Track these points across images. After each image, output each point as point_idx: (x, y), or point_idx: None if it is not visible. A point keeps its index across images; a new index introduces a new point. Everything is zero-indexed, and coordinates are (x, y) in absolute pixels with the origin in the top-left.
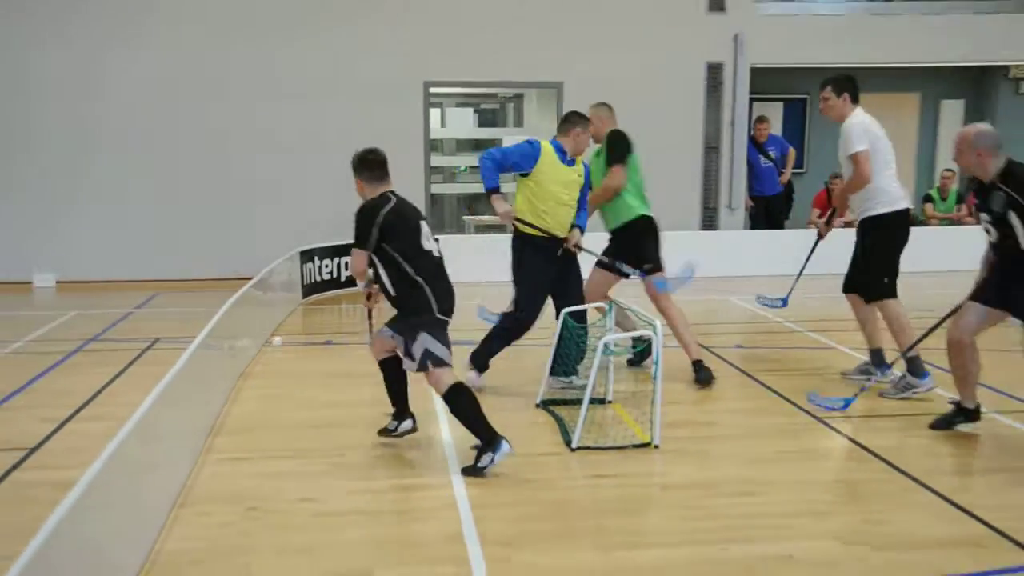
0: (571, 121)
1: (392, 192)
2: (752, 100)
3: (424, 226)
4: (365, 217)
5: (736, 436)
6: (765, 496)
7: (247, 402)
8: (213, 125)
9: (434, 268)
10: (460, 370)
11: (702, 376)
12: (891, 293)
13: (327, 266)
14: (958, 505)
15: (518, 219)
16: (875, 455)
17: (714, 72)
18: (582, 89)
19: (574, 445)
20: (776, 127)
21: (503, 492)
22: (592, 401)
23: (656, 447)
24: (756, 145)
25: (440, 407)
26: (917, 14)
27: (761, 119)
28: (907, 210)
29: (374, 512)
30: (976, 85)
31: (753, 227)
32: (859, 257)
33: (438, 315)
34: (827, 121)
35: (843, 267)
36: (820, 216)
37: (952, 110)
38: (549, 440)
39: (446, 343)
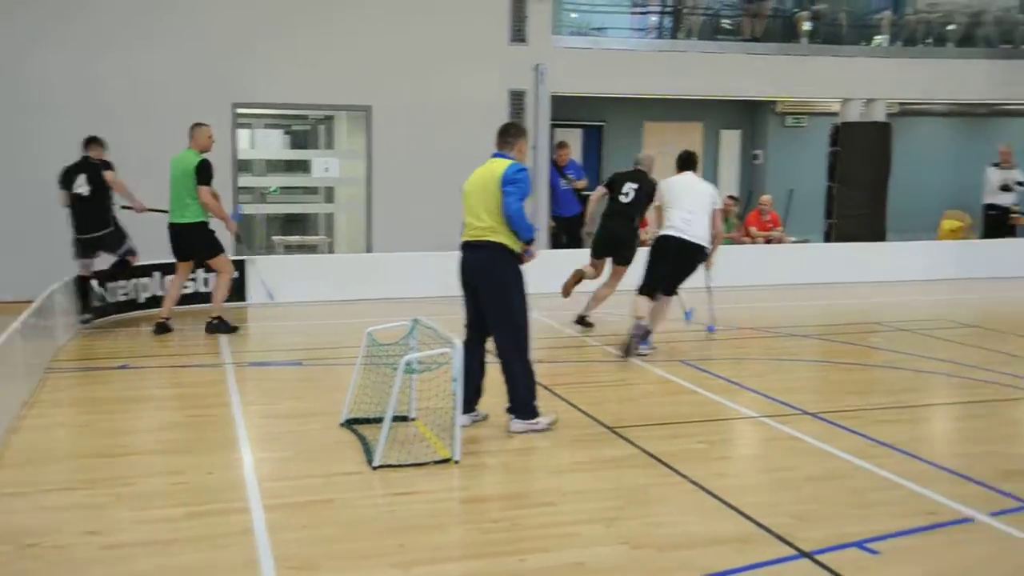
0: (522, 134)
1: None
2: (553, 126)
3: None
4: None
5: (534, 449)
6: (560, 506)
7: (30, 432)
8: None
9: None
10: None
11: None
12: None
13: (122, 287)
14: (731, 505)
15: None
16: (660, 461)
17: (517, 99)
18: (391, 113)
19: (375, 464)
20: (576, 152)
21: (302, 514)
22: (395, 419)
23: (457, 462)
24: (557, 169)
25: (244, 432)
26: (699, 52)
27: (561, 144)
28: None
29: (166, 541)
30: (750, 117)
31: (554, 247)
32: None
33: None
34: (622, 146)
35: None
36: None
37: (730, 139)
38: (352, 459)
39: None
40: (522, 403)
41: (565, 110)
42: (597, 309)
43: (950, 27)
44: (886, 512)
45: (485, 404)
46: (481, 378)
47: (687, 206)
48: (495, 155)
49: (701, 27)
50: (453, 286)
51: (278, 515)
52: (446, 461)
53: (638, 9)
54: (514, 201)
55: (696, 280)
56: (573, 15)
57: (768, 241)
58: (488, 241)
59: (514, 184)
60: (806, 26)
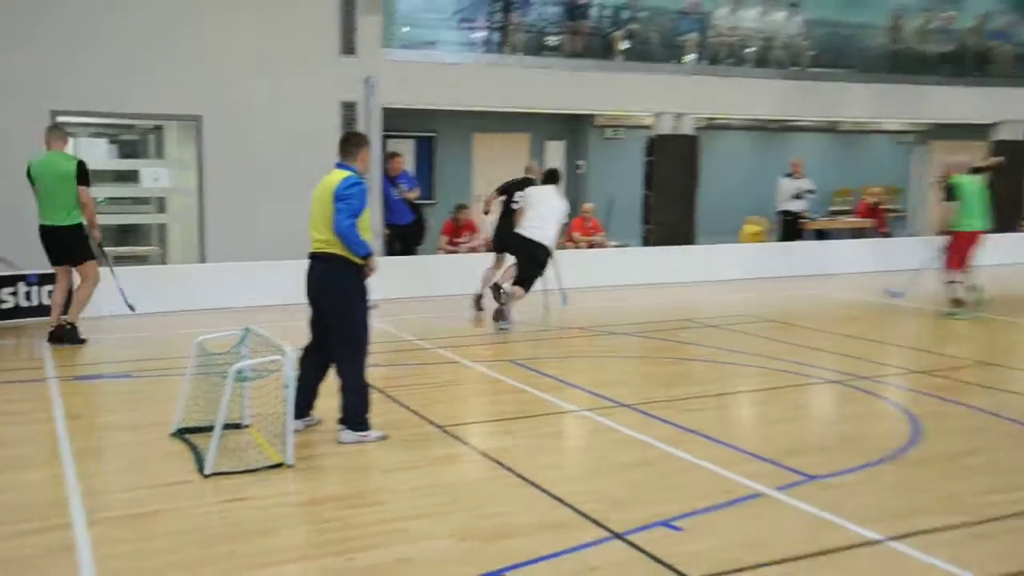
0: (363, 143)
1: None
2: (385, 137)
3: None
4: None
5: (366, 450)
6: (391, 504)
7: None
8: None
9: None
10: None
11: None
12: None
13: None
14: (552, 494)
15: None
16: (488, 457)
17: (348, 111)
18: (222, 123)
19: (207, 472)
20: (408, 162)
21: (128, 528)
22: (227, 427)
23: (290, 466)
24: (389, 179)
25: (67, 447)
26: (525, 67)
27: (393, 155)
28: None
29: None
30: (573, 129)
31: (389, 254)
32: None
33: None
34: (453, 157)
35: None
36: (449, 243)
37: (556, 150)
38: (182, 469)
39: None
40: (354, 416)
41: (397, 121)
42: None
43: (748, 49)
44: (690, 492)
45: (321, 409)
46: (318, 384)
47: (540, 212)
48: (337, 165)
49: (526, 43)
50: (288, 295)
51: (102, 530)
52: (279, 466)
53: (466, 25)
54: (344, 218)
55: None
56: (405, 29)
57: (591, 246)
58: (329, 253)
59: (344, 200)
60: (622, 45)
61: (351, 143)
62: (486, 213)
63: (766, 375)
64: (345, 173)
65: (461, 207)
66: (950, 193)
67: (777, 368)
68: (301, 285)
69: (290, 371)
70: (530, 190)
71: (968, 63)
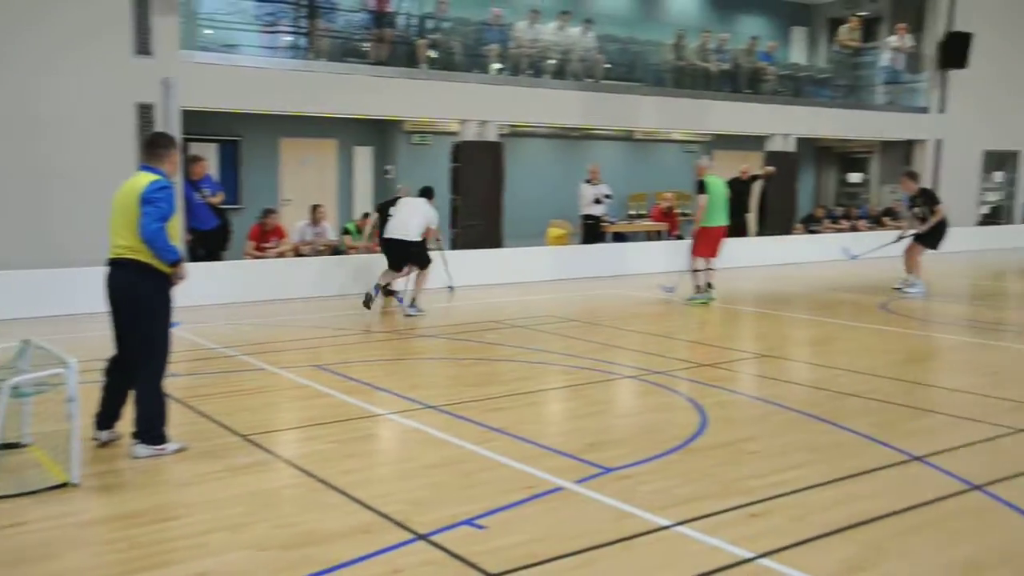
0: (171, 144)
1: None
2: (187, 140)
3: None
4: None
5: (161, 464)
6: (186, 518)
7: None
8: None
9: None
10: None
11: None
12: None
13: None
14: (355, 499)
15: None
16: (291, 464)
17: (145, 113)
18: (10, 126)
19: None
20: (212, 166)
21: None
22: (4, 447)
23: (76, 485)
24: (191, 183)
25: None
26: (331, 72)
27: (195, 158)
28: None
29: None
30: (381, 135)
31: (193, 260)
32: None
33: None
34: (260, 162)
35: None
36: (256, 248)
37: (363, 155)
38: None
39: None
40: (149, 428)
41: (199, 125)
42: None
43: (548, 61)
44: (493, 490)
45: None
46: (124, 394)
47: (401, 217)
48: (142, 168)
49: (332, 49)
50: (75, 304)
51: None
52: (63, 485)
53: (270, 28)
54: (150, 223)
55: None
56: (208, 31)
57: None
58: (130, 259)
59: (151, 204)
60: (428, 53)
61: (158, 145)
62: (369, 238)
63: (569, 373)
64: (152, 176)
65: (268, 212)
66: (701, 188)
67: (579, 366)
68: (95, 293)
69: (74, 384)
70: (401, 201)
71: (742, 81)
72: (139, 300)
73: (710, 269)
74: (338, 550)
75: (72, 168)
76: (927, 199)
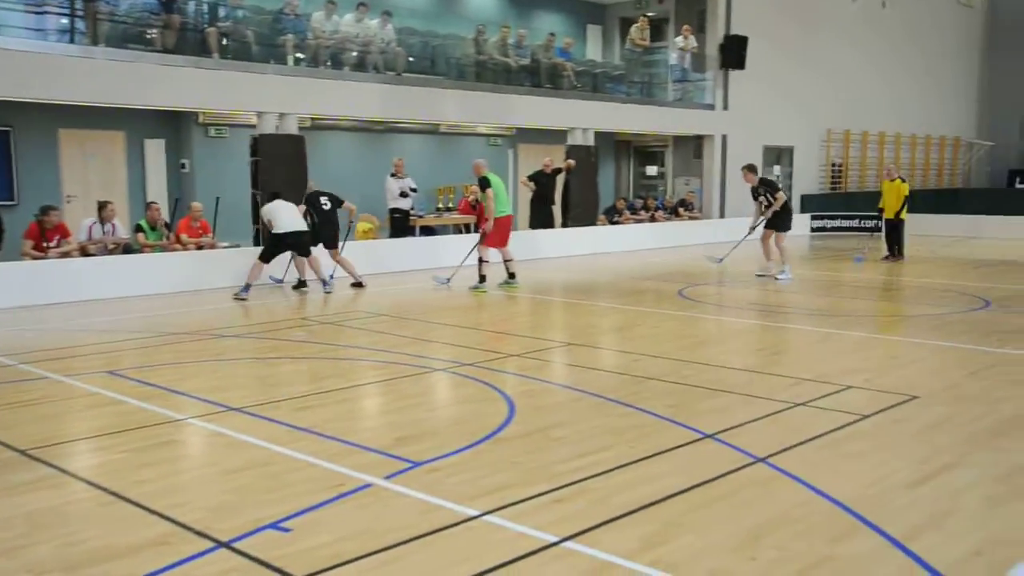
0: None
1: None
2: None
3: None
4: None
5: None
6: None
7: None
8: None
9: None
10: None
11: None
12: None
13: None
14: (150, 509)
15: None
16: (77, 478)
17: None
18: None
19: None
20: None
21: None
22: None
23: None
24: None
25: None
26: (112, 60)
27: None
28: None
29: None
30: (175, 127)
31: None
32: None
33: None
34: (36, 154)
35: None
36: (35, 247)
37: (155, 148)
38: None
39: None
40: None
41: None
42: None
43: (349, 53)
44: (299, 491)
45: None
46: None
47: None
48: None
49: (113, 34)
50: None
51: None
52: None
53: (38, 9)
54: None
55: None
56: None
57: (200, 247)
58: None
59: None
60: (224, 42)
61: None
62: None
63: (378, 368)
64: None
65: (49, 209)
66: (485, 184)
67: (389, 361)
68: None
69: None
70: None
71: (543, 76)
72: None
73: (509, 260)
74: (133, 565)
75: None
76: (767, 187)
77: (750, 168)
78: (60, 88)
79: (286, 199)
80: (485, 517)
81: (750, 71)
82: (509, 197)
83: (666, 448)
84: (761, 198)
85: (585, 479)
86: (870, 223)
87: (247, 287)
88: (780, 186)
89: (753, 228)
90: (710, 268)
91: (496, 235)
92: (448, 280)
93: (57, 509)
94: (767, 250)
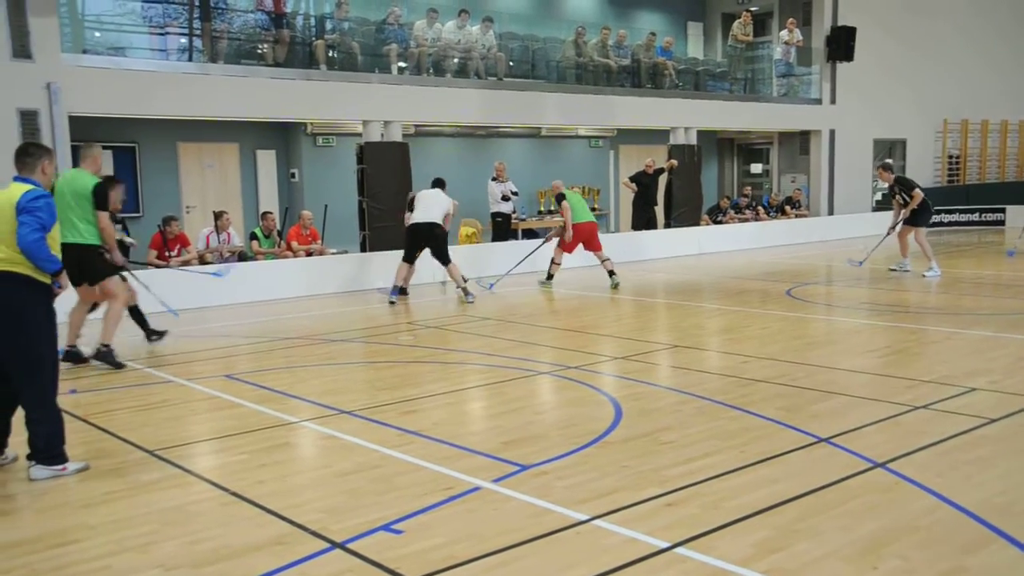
0: (44, 153)
1: None
2: (77, 147)
3: None
4: None
5: (62, 486)
6: (89, 541)
7: None
8: None
9: None
10: None
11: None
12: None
13: None
14: (268, 509)
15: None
16: (201, 478)
17: (28, 119)
18: None
19: None
20: (108, 173)
21: None
22: None
23: None
24: None
25: None
26: (227, 75)
27: None
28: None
29: None
30: (284, 138)
31: None
32: None
33: None
34: (159, 167)
35: None
36: (158, 256)
37: (267, 159)
38: None
39: None
40: (47, 449)
41: (91, 131)
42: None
43: (451, 60)
44: (409, 494)
45: (13, 444)
46: (8, 418)
47: (425, 206)
48: (16, 179)
49: (227, 51)
50: None
51: None
52: None
53: (162, 31)
54: (30, 232)
55: None
56: (97, 34)
57: (309, 254)
58: (8, 272)
59: (30, 213)
60: (327, 54)
61: (30, 154)
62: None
63: (485, 372)
64: (27, 186)
65: (170, 219)
66: (562, 198)
67: (495, 364)
68: None
69: None
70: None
71: (643, 76)
72: (20, 313)
73: (606, 260)
74: (252, 564)
75: None
76: (903, 186)
77: (885, 167)
78: (180, 104)
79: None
80: (595, 521)
81: (858, 63)
82: (586, 204)
83: (779, 452)
84: (897, 196)
85: (696, 483)
86: (991, 216)
87: (397, 289)
88: (916, 184)
89: (893, 228)
90: (846, 269)
91: (572, 242)
92: (493, 284)
93: (183, 507)
94: (903, 245)
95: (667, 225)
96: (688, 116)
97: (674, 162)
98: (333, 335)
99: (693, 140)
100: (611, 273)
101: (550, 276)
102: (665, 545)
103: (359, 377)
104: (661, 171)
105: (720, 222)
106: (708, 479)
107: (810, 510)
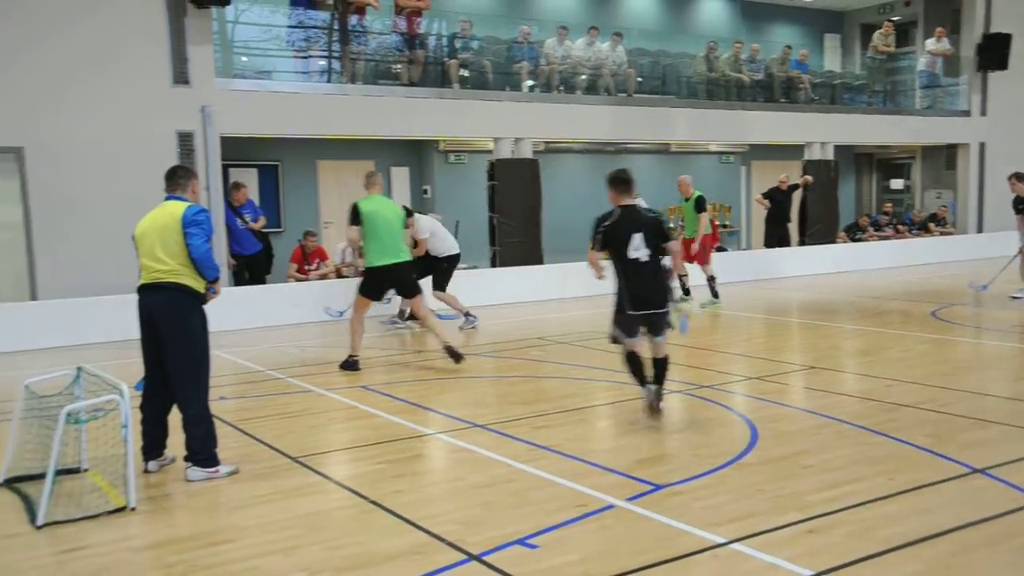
0: (191, 175)
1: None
2: (227, 167)
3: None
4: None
5: (215, 487)
6: (240, 541)
7: None
8: None
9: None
10: None
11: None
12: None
13: None
14: (407, 519)
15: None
16: (341, 485)
17: (185, 141)
18: (47, 154)
19: (39, 522)
20: (253, 191)
21: None
22: (62, 472)
23: (133, 509)
24: (233, 209)
25: None
26: (364, 95)
27: (236, 185)
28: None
29: None
30: (417, 155)
31: (237, 284)
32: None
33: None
34: (299, 185)
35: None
36: (298, 270)
37: (401, 175)
38: (12, 521)
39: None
40: (201, 451)
41: (238, 151)
42: None
43: (579, 77)
44: (543, 509)
45: (171, 446)
46: (165, 421)
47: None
48: (168, 198)
49: (365, 72)
50: (125, 329)
51: None
52: (121, 510)
53: (303, 54)
54: (202, 243)
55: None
56: (244, 59)
57: None
58: (170, 282)
59: (197, 225)
60: (460, 73)
61: (179, 176)
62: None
63: (615, 389)
64: (185, 203)
65: (309, 234)
66: (703, 205)
67: (626, 381)
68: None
69: (127, 409)
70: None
71: (777, 90)
72: (184, 321)
73: (685, 275)
74: (392, 571)
75: (117, 196)
76: None
77: (1019, 177)
78: (320, 124)
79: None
80: (733, 545)
81: (1013, 71)
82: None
83: (929, 482)
84: None
85: (840, 510)
86: None
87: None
88: None
89: (1022, 250)
90: (971, 293)
91: (707, 250)
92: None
93: (325, 513)
94: None
95: (801, 243)
96: (825, 130)
97: (809, 178)
98: (463, 349)
99: (830, 155)
100: (687, 291)
101: (715, 294)
102: (809, 573)
103: (491, 391)
104: (795, 187)
105: (859, 240)
106: (853, 506)
107: (967, 544)
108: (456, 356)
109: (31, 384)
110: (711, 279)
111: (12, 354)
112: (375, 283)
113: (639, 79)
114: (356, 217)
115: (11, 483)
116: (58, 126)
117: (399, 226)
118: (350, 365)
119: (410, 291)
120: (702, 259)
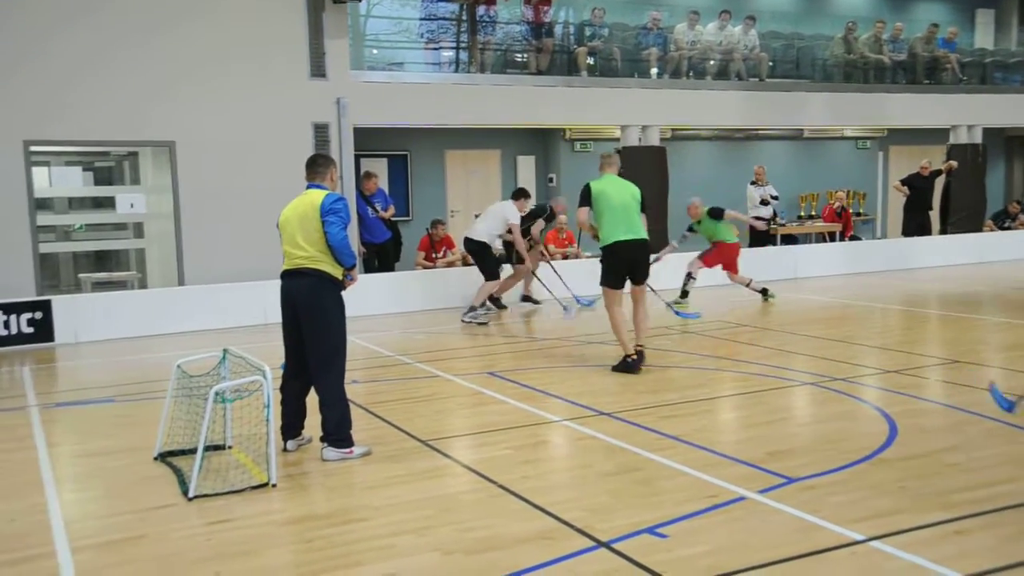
0: (330, 163)
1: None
2: (359, 156)
3: None
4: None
5: (349, 467)
6: (374, 520)
7: None
8: None
9: None
10: None
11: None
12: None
13: None
14: (535, 504)
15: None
16: (470, 469)
17: (321, 132)
18: (196, 148)
19: (191, 495)
20: (383, 180)
21: (113, 553)
22: (209, 448)
23: (274, 486)
24: (364, 198)
25: (50, 474)
26: (492, 84)
27: (368, 175)
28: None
29: None
30: (543, 144)
31: (367, 271)
32: None
33: None
34: (427, 174)
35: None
36: (426, 258)
37: (527, 164)
38: (166, 492)
39: None
40: (336, 432)
41: (369, 141)
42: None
43: (709, 62)
44: (672, 498)
45: (308, 426)
46: (303, 403)
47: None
48: (309, 186)
49: (493, 61)
50: (266, 314)
51: (88, 556)
52: (263, 486)
53: (432, 45)
54: (338, 231)
55: None
56: (374, 51)
57: (565, 257)
58: (310, 269)
59: (335, 214)
60: (587, 61)
61: (319, 164)
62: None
63: (743, 379)
64: (324, 192)
65: (437, 223)
66: (720, 214)
67: (754, 372)
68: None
69: (270, 391)
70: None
71: (920, 71)
72: (323, 307)
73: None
74: (520, 555)
75: (257, 187)
76: None
77: None
78: (448, 113)
79: None
80: (872, 543)
81: None
82: None
83: None
84: None
85: (990, 512)
86: None
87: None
88: None
89: None
90: None
91: (714, 259)
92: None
93: (455, 496)
94: None
95: (942, 231)
96: (973, 113)
97: (953, 163)
98: (589, 338)
99: (978, 139)
100: (765, 292)
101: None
102: None
103: (616, 380)
104: (938, 173)
105: (1008, 228)
106: (1005, 508)
107: None
108: (637, 360)
109: (183, 364)
110: (749, 284)
111: (162, 336)
112: (614, 264)
113: (771, 63)
114: (586, 198)
115: (164, 457)
116: (204, 120)
117: (635, 206)
118: (626, 366)
119: (643, 276)
120: (733, 267)
